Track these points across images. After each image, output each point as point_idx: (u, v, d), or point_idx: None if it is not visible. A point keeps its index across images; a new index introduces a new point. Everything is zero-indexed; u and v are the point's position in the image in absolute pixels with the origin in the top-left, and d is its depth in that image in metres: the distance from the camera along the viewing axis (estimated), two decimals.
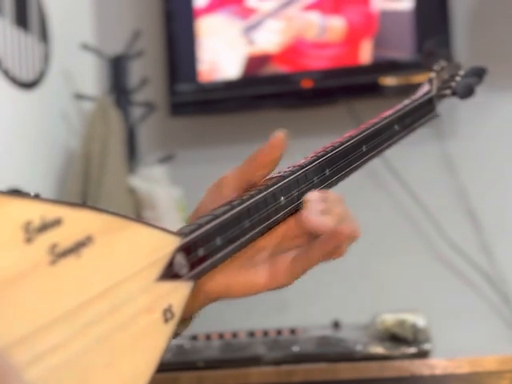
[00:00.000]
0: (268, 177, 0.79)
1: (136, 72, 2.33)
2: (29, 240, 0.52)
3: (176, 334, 0.74)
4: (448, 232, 2.21)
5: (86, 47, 2.30)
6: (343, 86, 2.24)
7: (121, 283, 0.58)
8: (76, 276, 0.55)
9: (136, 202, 2.14)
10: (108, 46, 2.36)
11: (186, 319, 0.76)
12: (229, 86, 2.30)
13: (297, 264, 0.75)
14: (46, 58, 2.13)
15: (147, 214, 2.12)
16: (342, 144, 0.85)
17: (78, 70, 2.33)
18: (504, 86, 2.19)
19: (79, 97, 2.25)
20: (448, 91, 1.06)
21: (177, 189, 2.21)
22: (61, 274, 0.54)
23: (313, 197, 0.77)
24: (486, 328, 2.17)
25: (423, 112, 1.01)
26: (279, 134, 0.77)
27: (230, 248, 0.70)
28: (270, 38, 2.29)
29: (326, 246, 0.74)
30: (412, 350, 1.65)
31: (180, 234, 0.66)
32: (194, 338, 1.75)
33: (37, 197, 0.56)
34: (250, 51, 2.30)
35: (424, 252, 2.24)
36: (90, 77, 2.41)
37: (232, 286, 0.76)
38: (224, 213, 0.71)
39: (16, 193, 1.68)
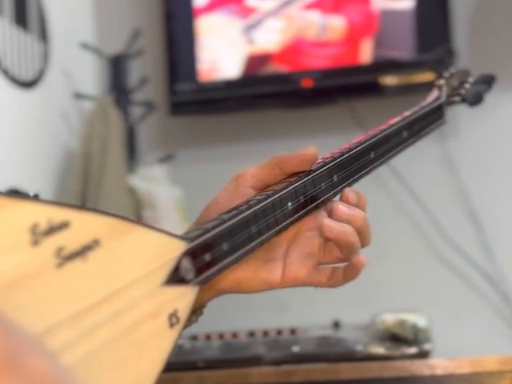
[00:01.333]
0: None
1: (136, 71, 2.33)
2: (35, 243, 0.52)
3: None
4: (448, 232, 2.20)
5: (85, 47, 2.29)
6: (343, 85, 2.23)
7: (127, 287, 0.58)
8: (82, 279, 0.55)
9: (136, 201, 2.13)
10: (108, 45, 2.36)
11: (192, 313, 0.77)
12: (229, 85, 2.30)
13: (320, 279, 0.78)
14: (45, 58, 2.13)
15: (147, 213, 2.12)
16: (351, 150, 0.85)
17: (78, 70, 2.33)
18: (505, 86, 2.19)
19: (79, 96, 2.25)
20: (457, 98, 1.06)
21: (177, 189, 2.21)
22: (67, 278, 0.54)
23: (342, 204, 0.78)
24: (487, 328, 2.17)
25: (432, 119, 1.01)
26: (312, 151, 0.78)
27: (236, 253, 0.70)
28: (270, 38, 2.29)
29: (350, 274, 0.78)
30: (412, 350, 1.65)
31: (186, 238, 0.66)
32: (194, 338, 1.75)
33: (36, 197, 0.56)
34: (249, 50, 2.30)
35: (424, 252, 2.24)
36: (89, 76, 2.40)
37: (243, 282, 0.77)
38: (231, 218, 0.70)
39: (15, 193, 1.68)
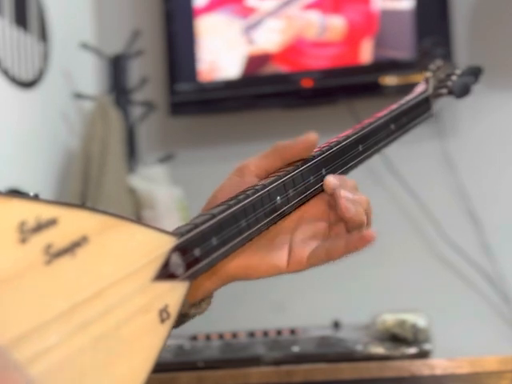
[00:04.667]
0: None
1: (136, 71, 2.33)
2: (23, 240, 0.52)
3: (189, 316, 0.76)
4: (448, 232, 2.20)
5: (85, 47, 2.30)
6: (343, 85, 2.23)
7: (116, 283, 0.58)
8: (71, 276, 0.55)
9: (136, 201, 2.14)
10: (108, 45, 2.36)
11: (201, 300, 0.77)
12: (229, 85, 2.30)
13: (319, 255, 0.78)
14: (45, 58, 2.13)
15: (147, 213, 2.12)
16: (339, 143, 0.86)
17: (78, 70, 2.33)
18: (504, 84, 2.19)
19: (79, 96, 2.25)
20: (444, 90, 1.07)
21: (177, 189, 2.21)
22: (56, 274, 0.54)
23: (337, 183, 0.80)
24: (486, 328, 2.16)
25: (419, 111, 1.02)
26: (312, 136, 0.80)
27: (225, 248, 0.70)
28: (269, 38, 2.29)
29: (352, 246, 0.78)
30: (412, 350, 1.65)
31: (176, 233, 0.66)
32: (194, 338, 1.75)
33: (36, 197, 0.56)
34: (249, 51, 2.30)
35: (424, 252, 2.24)
36: (89, 76, 2.40)
37: (250, 267, 0.78)
38: (220, 212, 0.70)
39: (15, 193, 1.67)
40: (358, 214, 0.78)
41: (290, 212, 0.79)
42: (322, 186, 0.82)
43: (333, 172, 0.83)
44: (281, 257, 0.79)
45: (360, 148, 0.88)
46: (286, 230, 0.80)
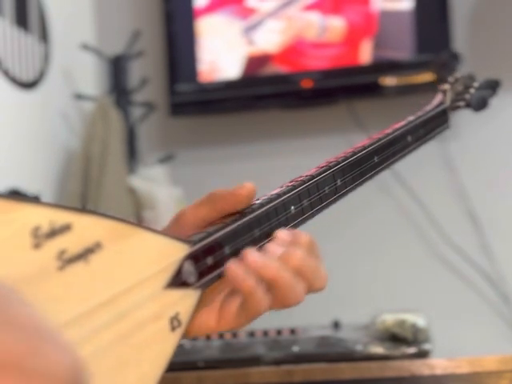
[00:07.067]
0: (280, 186, 0.78)
1: (136, 72, 2.33)
2: (37, 245, 0.52)
3: None
4: (448, 232, 2.21)
5: (85, 47, 2.30)
6: (343, 86, 2.24)
7: (129, 290, 0.58)
8: (84, 282, 0.55)
9: (136, 202, 2.14)
10: (108, 46, 2.36)
11: None
12: (229, 86, 2.30)
13: (243, 313, 0.69)
14: (46, 58, 2.13)
15: (147, 214, 2.12)
16: (355, 154, 0.85)
17: (78, 70, 2.33)
18: (505, 87, 2.19)
19: (79, 97, 2.25)
20: (462, 103, 1.06)
21: (177, 189, 2.21)
22: (69, 280, 0.54)
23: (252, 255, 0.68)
24: (486, 328, 2.17)
25: (436, 123, 1.01)
26: (248, 187, 0.71)
27: (238, 258, 0.68)
28: (269, 38, 2.29)
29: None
30: (412, 349, 1.65)
31: (189, 241, 0.65)
32: (194, 337, 1.75)
33: (36, 198, 0.56)
34: (249, 51, 2.30)
35: (424, 252, 2.24)
36: (89, 77, 2.41)
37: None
38: (234, 221, 0.70)
39: (15, 194, 1.67)
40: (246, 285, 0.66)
41: (304, 223, 0.77)
42: (336, 197, 0.80)
43: (348, 183, 0.82)
44: (212, 314, 0.70)
45: (376, 159, 0.87)
46: (219, 288, 0.72)
